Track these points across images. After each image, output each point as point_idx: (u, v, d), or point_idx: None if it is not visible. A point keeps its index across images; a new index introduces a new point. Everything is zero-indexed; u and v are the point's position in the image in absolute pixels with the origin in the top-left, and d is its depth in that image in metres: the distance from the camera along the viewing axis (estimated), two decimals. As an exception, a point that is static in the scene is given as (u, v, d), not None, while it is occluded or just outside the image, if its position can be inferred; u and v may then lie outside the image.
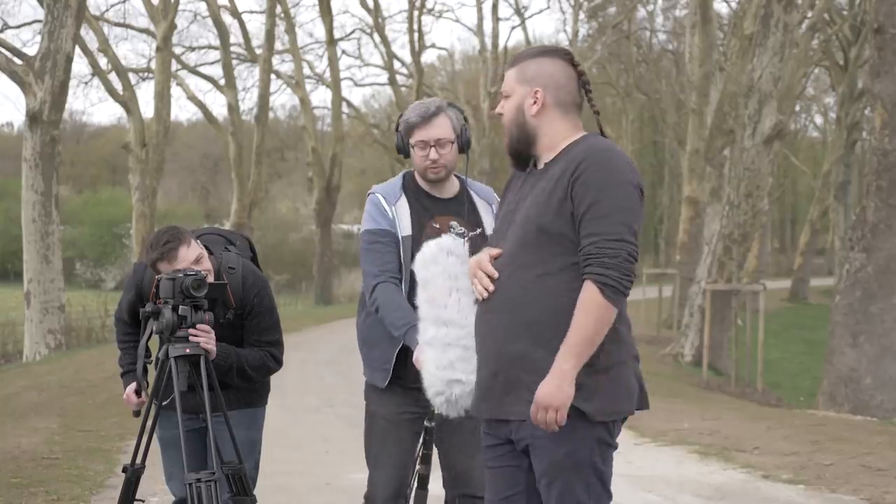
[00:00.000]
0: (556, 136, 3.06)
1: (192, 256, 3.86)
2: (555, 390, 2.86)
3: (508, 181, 3.24)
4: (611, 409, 2.95)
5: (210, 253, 4.04)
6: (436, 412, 3.56)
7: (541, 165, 3.08)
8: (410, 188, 3.96)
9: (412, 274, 3.61)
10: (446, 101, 3.99)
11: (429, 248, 3.54)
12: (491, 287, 3.06)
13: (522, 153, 3.12)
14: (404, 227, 3.84)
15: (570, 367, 2.86)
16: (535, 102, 3.05)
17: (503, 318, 3.01)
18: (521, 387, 2.97)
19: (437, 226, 3.89)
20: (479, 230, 3.95)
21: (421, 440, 3.79)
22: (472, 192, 4.03)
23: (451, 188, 3.99)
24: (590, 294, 2.85)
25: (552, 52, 3.11)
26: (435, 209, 3.90)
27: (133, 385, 4.06)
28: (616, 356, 2.97)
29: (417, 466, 3.70)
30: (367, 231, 3.89)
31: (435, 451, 3.91)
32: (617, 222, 2.86)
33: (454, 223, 3.92)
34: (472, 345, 3.39)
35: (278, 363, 4.13)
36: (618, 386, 2.97)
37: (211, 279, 3.92)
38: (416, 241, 3.77)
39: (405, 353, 3.76)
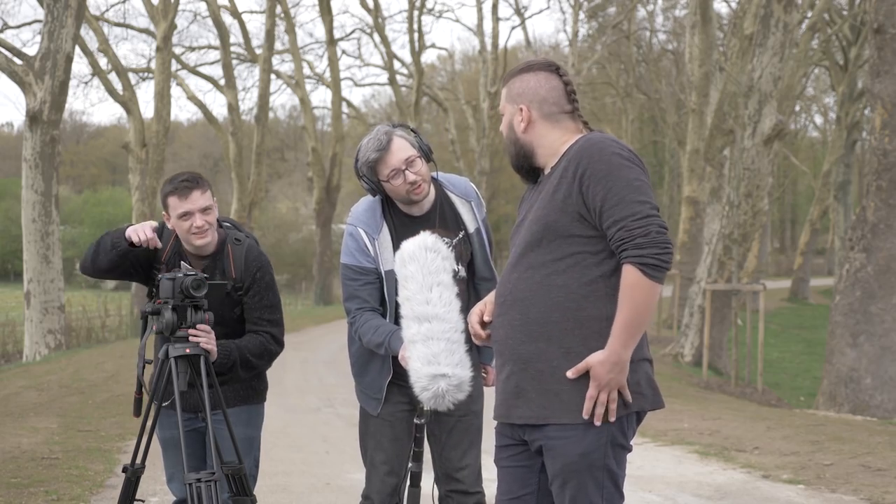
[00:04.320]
0: (553, 143, 3.10)
1: (203, 203, 3.92)
2: (618, 374, 2.89)
3: (522, 196, 3.26)
4: (624, 404, 2.96)
5: (220, 226, 4.08)
6: (424, 409, 3.57)
7: (547, 171, 3.12)
8: (389, 212, 3.90)
9: (398, 305, 3.63)
10: (387, 123, 3.93)
11: (407, 246, 3.57)
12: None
13: (524, 167, 3.16)
14: (387, 261, 3.81)
15: (627, 351, 2.89)
16: (521, 120, 3.10)
17: (515, 320, 3.03)
18: (531, 388, 2.98)
19: None
20: (461, 234, 3.94)
21: (412, 438, 3.79)
22: (448, 193, 3.99)
23: (428, 199, 3.93)
24: (632, 277, 2.86)
25: (535, 66, 3.14)
26: (415, 230, 3.82)
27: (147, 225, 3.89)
28: (633, 353, 2.97)
29: (409, 464, 3.70)
30: (345, 266, 3.88)
31: (427, 448, 3.92)
32: (635, 202, 2.88)
33: (437, 235, 3.90)
34: (457, 338, 3.46)
35: (280, 345, 4.12)
36: (630, 382, 2.97)
37: (213, 243, 3.98)
38: None
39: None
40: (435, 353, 3.44)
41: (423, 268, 3.51)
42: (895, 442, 8.22)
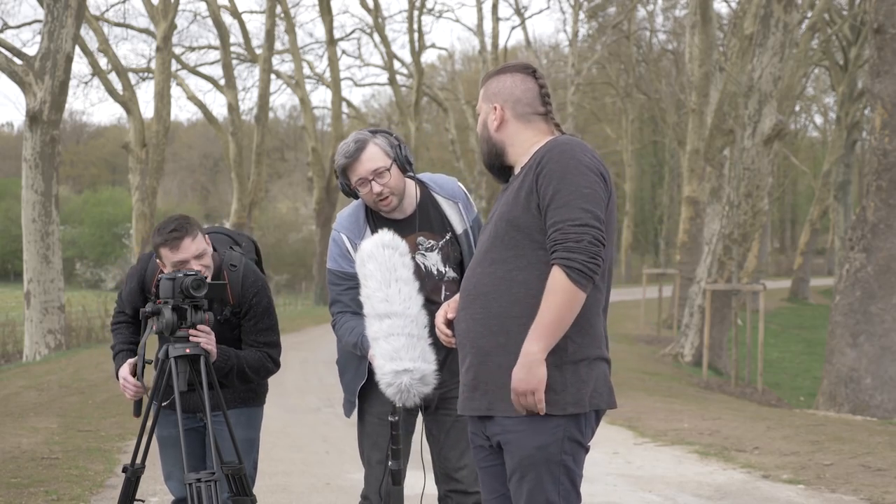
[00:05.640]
0: (525, 143, 3.15)
1: (194, 249, 3.86)
2: (526, 374, 2.90)
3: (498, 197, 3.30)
4: (580, 401, 2.98)
5: (214, 250, 4.05)
6: (397, 405, 3.58)
7: (517, 170, 3.17)
8: (372, 217, 3.91)
9: None
10: (370, 129, 3.91)
11: (365, 246, 3.60)
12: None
13: (495, 165, 3.22)
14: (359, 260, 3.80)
15: (538, 350, 2.91)
16: (495, 118, 3.17)
17: (477, 314, 3.07)
18: (489, 381, 3.03)
19: None
20: (447, 236, 3.93)
21: (389, 436, 3.79)
22: (434, 195, 3.96)
23: (411, 202, 3.92)
24: (557, 278, 2.90)
25: (512, 67, 3.22)
26: (398, 233, 3.77)
27: (126, 366, 3.96)
28: (587, 351, 3.01)
29: (389, 462, 3.71)
30: (329, 271, 3.92)
31: (427, 449, 3.92)
32: (579, 208, 2.92)
33: (421, 238, 3.89)
34: (418, 332, 3.50)
35: (276, 365, 4.14)
36: (587, 379, 3.00)
37: (209, 277, 3.93)
38: None
39: None
40: (396, 349, 3.47)
41: (381, 265, 3.54)
42: (895, 442, 8.22)
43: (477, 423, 3.14)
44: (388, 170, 3.80)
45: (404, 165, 3.86)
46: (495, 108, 3.17)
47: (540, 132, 3.16)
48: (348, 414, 3.95)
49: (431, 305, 3.65)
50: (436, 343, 3.55)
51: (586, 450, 3.06)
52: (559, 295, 2.89)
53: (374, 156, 3.80)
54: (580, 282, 2.89)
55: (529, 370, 2.90)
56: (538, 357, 2.90)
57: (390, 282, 3.52)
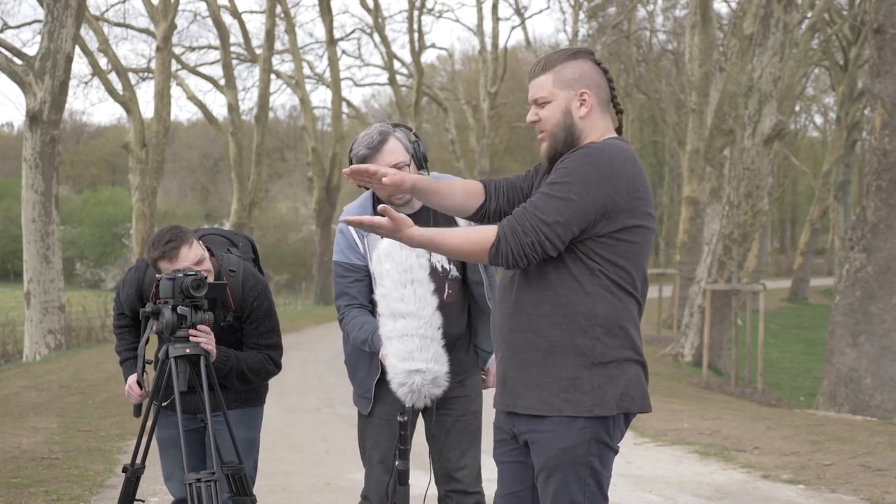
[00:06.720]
0: (598, 133, 3.07)
1: (193, 257, 3.86)
2: (395, 230, 2.86)
3: (536, 169, 3.22)
4: (605, 403, 2.95)
5: (211, 254, 4.05)
6: (406, 405, 3.58)
7: None
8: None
9: None
10: (390, 123, 3.92)
11: (383, 244, 3.61)
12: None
13: (561, 154, 3.07)
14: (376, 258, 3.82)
15: (416, 241, 2.88)
16: (582, 104, 3.04)
17: (508, 309, 3.06)
18: (515, 376, 3.01)
19: None
20: None
21: (397, 436, 3.80)
22: None
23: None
24: (487, 233, 2.90)
25: (583, 53, 3.10)
26: None
27: (135, 376, 4.03)
28: (615, 352, 2.98)
29: (396, 462, 3.71)
30: (336, 263, 3.91)
31: (427, 449, 3.92)
32: (554, 209, 2.88)
33: None
34: (431, 334, 3.52)
35: (277, 367, 4.13)
36: (615, 382, 2.97)
37: (211, 281, 3.92)
38: None
39: None
40: (410, 350, 3.49)
41: (397, 265, 3.55)
42: (895, 442, 8.22)
43: (504, 418, 3.12)
44: (408, 165, 3.82)
45: (421, 162, 3.88)
46: (582, 94, 3.04)
47: (609, 126, 3.09)
48: (365, 410, 3.92)
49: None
50: (446, 345, 3.57)
51: (615, 452, 3.03)
52: (471, 242, 2.90)
53: (396, 150, 3.82)
54: (494, 257, 2.89)
55: (395, 232, 2.85)
56: (408, 235, 2.86)
57: (406, 282, 3.54)
